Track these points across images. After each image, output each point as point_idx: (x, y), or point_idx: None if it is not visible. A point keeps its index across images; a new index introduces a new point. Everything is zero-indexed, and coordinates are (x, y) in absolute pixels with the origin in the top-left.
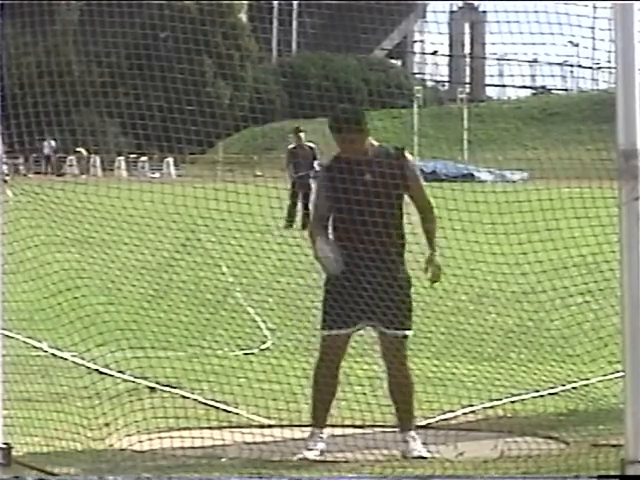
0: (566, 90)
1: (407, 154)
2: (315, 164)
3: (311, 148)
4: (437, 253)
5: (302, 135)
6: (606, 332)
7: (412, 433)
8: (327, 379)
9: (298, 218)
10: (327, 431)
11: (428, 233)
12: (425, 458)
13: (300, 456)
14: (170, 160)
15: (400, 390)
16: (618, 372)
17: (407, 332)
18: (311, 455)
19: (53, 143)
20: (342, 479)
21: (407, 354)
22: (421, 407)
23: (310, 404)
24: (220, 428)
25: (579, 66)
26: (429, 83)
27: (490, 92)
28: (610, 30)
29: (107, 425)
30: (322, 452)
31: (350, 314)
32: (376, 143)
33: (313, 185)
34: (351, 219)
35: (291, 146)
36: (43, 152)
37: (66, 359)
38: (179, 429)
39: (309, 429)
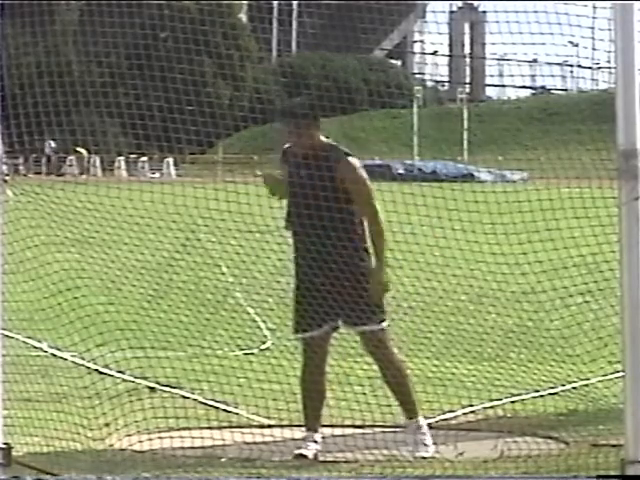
0: (566, 90)
1: (349, 158)
2: None
3: None
4: (383, 267)
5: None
6: (606, 332)
7: (420, 421)
8: (313, 383)
9: None
10: (323, 432)
11: (373, 244)
12: (425, 458)
13: (296, 452)
14: (170, 160)
15: (395, 382)
16: (618, 372)
17: (381, 325)
18: (308, 454)
19: (53, 143)
20: (342, 479)
21: (390, 345)
22: (421, 407)
23: (303, 408)
24: (220, 428)
25: (579, 66)
26: (429, 83)
27: (490, 92)
28: (610, 30)
29: (107, 425)
30: (316, 455)
31: (317, 314)
32: (326, 141)
33: None
34: (298, 215)
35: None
36: (44, 152)
37: (66, 359)
38: (179, 429)
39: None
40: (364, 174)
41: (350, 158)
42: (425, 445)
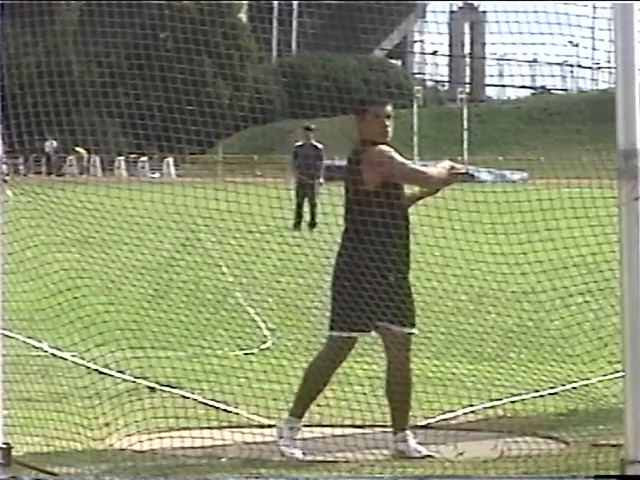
0: (566, 90)
1: None
2: (321, 164)
3: (317, 148)
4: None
5: (310, 134)
6: (606, 332)
7: (408, 432)
8: (325, 382)
9: (306, 218)
10: (322, 431)
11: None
12: (430, 456)
13: (290, 455)
14: (170, 160)
15: (401, 390)
16: (618, 372)
17: (414, 330)
18: (298, 454)
19: (55, 143)
20: (342, 479)
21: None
22: (421, 407)
23: (298, 396)
24: (220, 428)
25: (579, 66)
26: (429, 83)
27: (490, 92)
28: (610, 30)
29: (107, 425)
30: (303, 442)
31: (363, 317)
32: None
33: (316, 186)
34: (372, 215)
35: (297, 143)
36: (44, 152)
37: (66, 359)
38: (179, 429)
39: (308, 428)
40: None
41: None
42: (419, 452)
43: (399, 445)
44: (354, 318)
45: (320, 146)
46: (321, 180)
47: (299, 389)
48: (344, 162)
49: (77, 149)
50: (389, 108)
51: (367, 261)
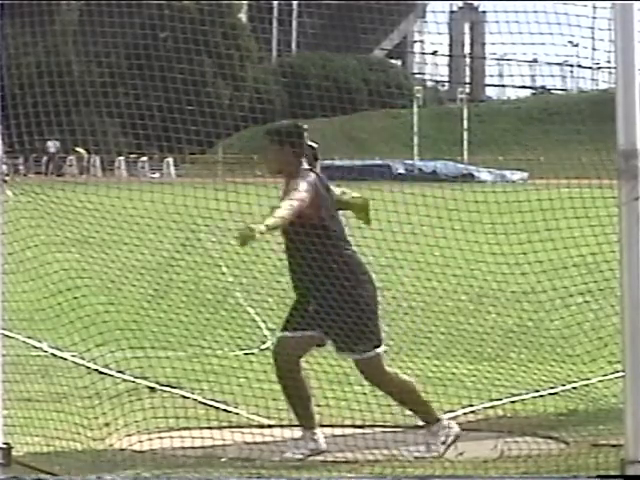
0: (566, 90)
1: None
2: (316, 164)
3: (312, 148)
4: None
5: (305, 134)
6: (606, 332)
7: (434, 427)
8: (290, 379)
9: None
10: (323, 431)
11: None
12: (425, 458)
13: (286, 456)
14: (170, 160)
15: (402, 398)
16: (618, 372)
17: (370, 353)
18: (297, 455)
19: (58, 143)
20: (342, 479)
21: (384, 370)
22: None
23: (292, 409)
24: (220, 428)
25: (579, 66)
26: (429, 83)
27: (490, 92)
28: (610, 30)
29: (107, 425)
30: (313, 451)
31: (303, 320)
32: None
33: None
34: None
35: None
36: (48, 152)
37: (66, 359)
38: (179, 429)
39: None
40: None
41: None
42: (429, 446)
43: (428, 438)
44: (299, 320)
45: (315, 145)
46: None
47: (288, 404)
48: (343, 162)
49: (77, 149)
50: (265, 141)
51: None
